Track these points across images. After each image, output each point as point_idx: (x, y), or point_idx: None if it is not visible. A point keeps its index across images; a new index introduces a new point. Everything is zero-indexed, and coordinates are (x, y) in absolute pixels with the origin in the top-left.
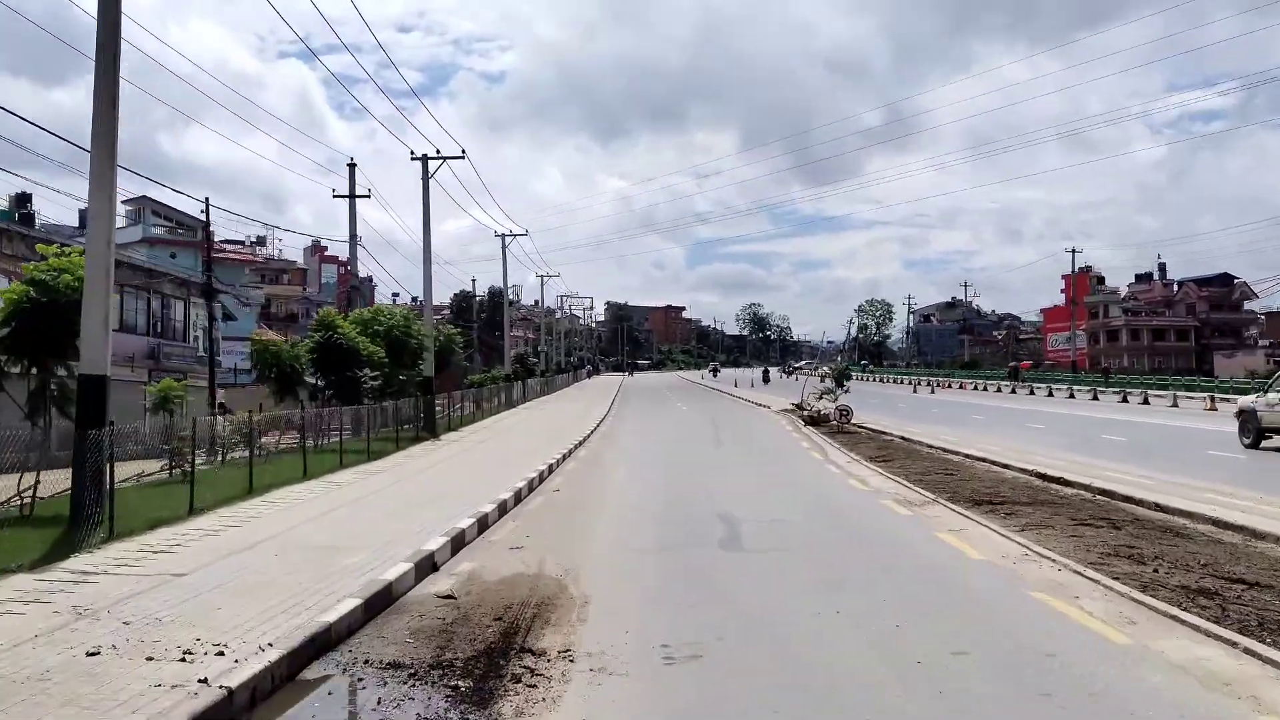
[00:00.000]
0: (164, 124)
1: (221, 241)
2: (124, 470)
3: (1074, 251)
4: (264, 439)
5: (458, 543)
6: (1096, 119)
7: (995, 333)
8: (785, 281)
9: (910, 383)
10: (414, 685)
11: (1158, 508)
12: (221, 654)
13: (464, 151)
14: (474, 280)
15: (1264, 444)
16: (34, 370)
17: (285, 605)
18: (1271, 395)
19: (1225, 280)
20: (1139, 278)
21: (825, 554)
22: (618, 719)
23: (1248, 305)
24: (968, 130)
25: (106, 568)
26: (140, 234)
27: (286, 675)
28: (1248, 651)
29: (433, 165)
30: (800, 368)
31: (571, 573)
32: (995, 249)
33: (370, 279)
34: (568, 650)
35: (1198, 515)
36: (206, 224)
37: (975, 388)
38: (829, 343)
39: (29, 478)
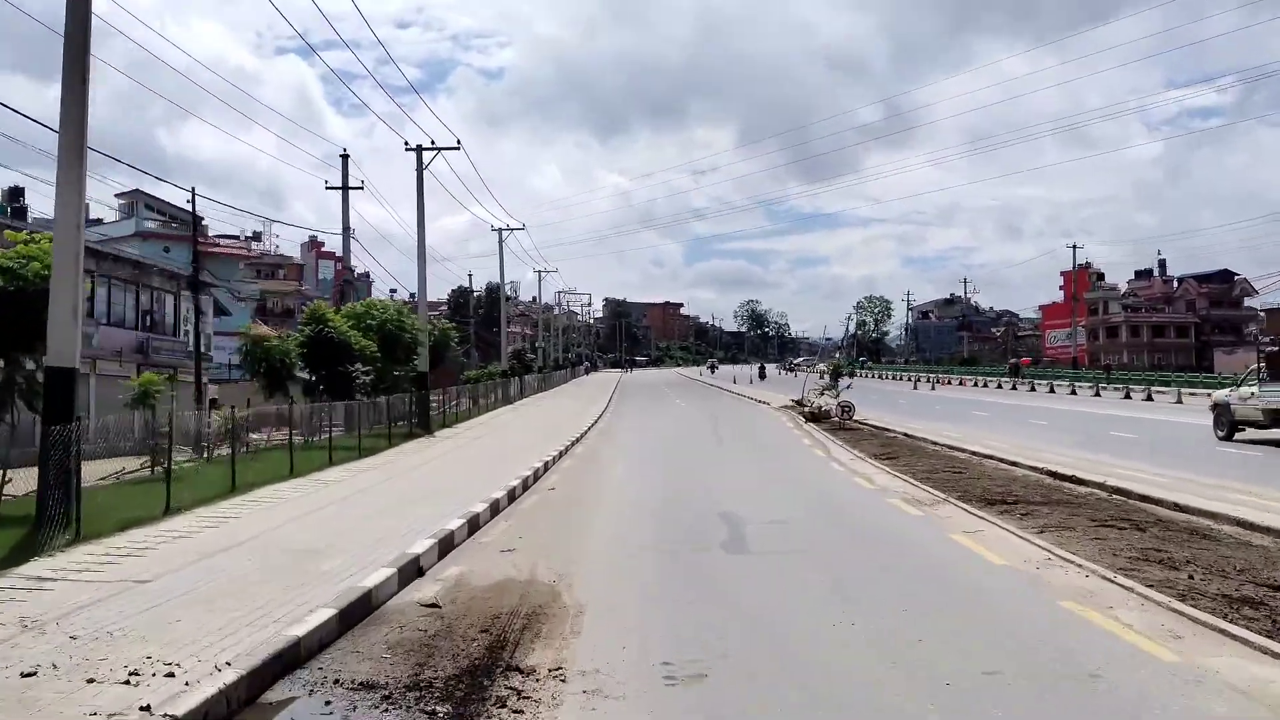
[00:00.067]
0: (162, 120)
1: (216, 236)
2: (104, 468)
3: (1074, 247)
4: (254, 435)
5: (446, 545)
6: (1095, 115)
7: (994, 329)
8: (783, 278)
9: (910, 379)
10: (386, 710)
11: (1177, 507)
12: (172, 675)
13: (459, 142)
14: (470, 275)
15: (1237, 436)
16: (0, 363)
17: (252, 616)
18: (1244, 389)
19: (1226, 277)
20: (1139, 274)
21: (835, 557)
22: None
23: (1248, 302)
24: (966, 127)
25: (66, 573)
26: (133, 228)
27: (245, 699)
28: None
29: (428, 156)
30: (799, 364)
31: (565, 578)
32: (993, 246)
33: (367, 275)
34: (559, 668)
35: (1222, 516)
36: (194, 214)
37: (975, 384)
38: (827, 339)
39: None
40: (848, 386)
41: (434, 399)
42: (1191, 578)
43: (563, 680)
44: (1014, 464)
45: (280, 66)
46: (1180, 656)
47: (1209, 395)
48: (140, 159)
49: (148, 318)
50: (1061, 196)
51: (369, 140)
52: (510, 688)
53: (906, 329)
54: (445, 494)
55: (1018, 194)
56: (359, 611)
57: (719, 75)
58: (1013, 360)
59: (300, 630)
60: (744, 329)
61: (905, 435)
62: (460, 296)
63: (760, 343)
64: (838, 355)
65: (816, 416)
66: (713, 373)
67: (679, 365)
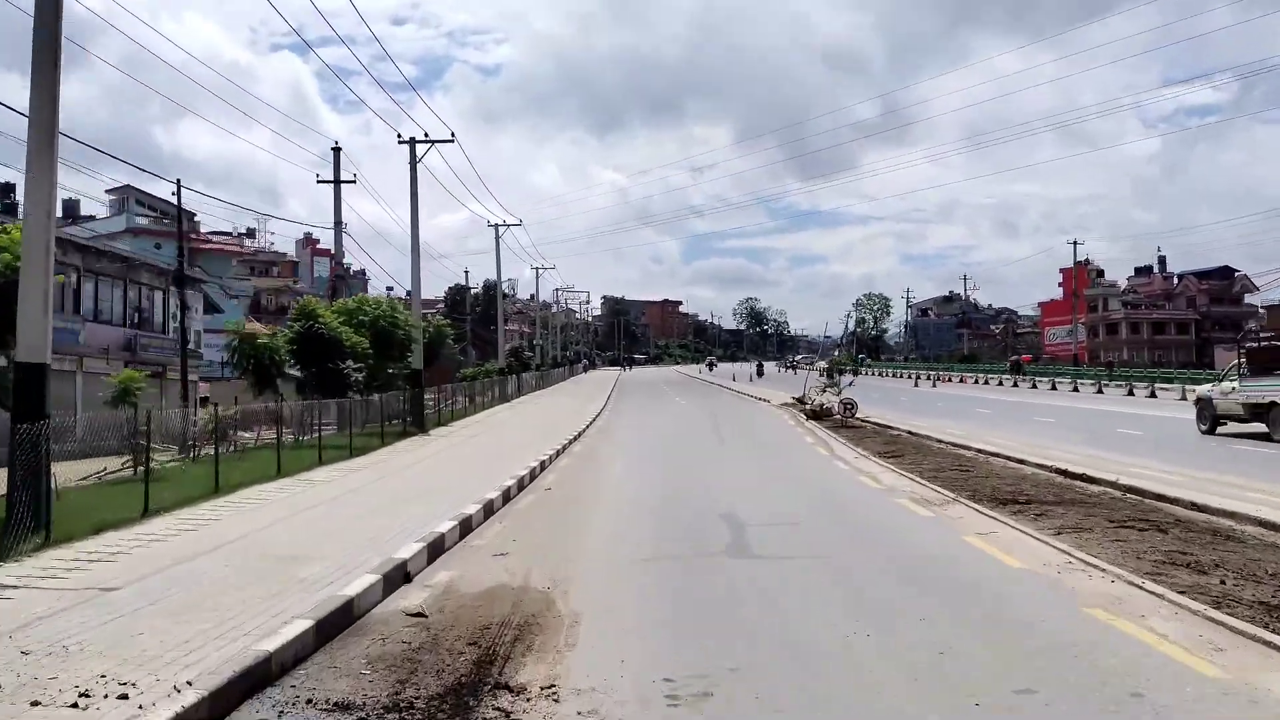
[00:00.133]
0: (157, 117)
1: (209, 233)
2: (86, 467)
3: (1075, 243)
4: (245, 434)
5: (436, 549)
6: (1093, 112)
7: (993, 326)
8: (782, 276)
9: (911, 376)
10: None
11: (1195, 506)
12: (125, 696)
13: (453, 135)
14: (467, 272)
15: (1219, 430)
16: None
17: (222, 629)
18: (1225, 384)
19: (1226, 273)
20: (1139, 271)
21: (845, 562)
22: None
23: (1248, 298)
24: (964, 124)
25: (30, 580)
26: (124, 224)
27: None
28: None
29: (421, 150)
30: (798, 361)
31: (560, 585)
32: (991, 243)
33: (363, 272)
34: (552, 686)
35: (1242, 515)
36: (179, 207)
37: (976, 381)
38: (826, 337)
39: None
40: (850, 384)
41: (429, 397)
42: (1223, 583)
43: (555, 700)
44: (1022, 462)
45: (275, 63)
46: (1226, 672)
47: None
48: (135, 156)
49: (136, 314)
50: (1059, 193)
51: (366, 137)
52: (498, 709)
53: (906, 326)
54: (437, 494)
55: (1015, 191)
56: (339, 622)
57: (717, 72)
58: (1014, 357)
59: (272, 644)
60: (743, 327)
61: (909, 433)
62: (457, 294)
63: (759, 341)
64: (837, 352)
65: (818, 414)
66: (711, 370)
67: (678, 363)
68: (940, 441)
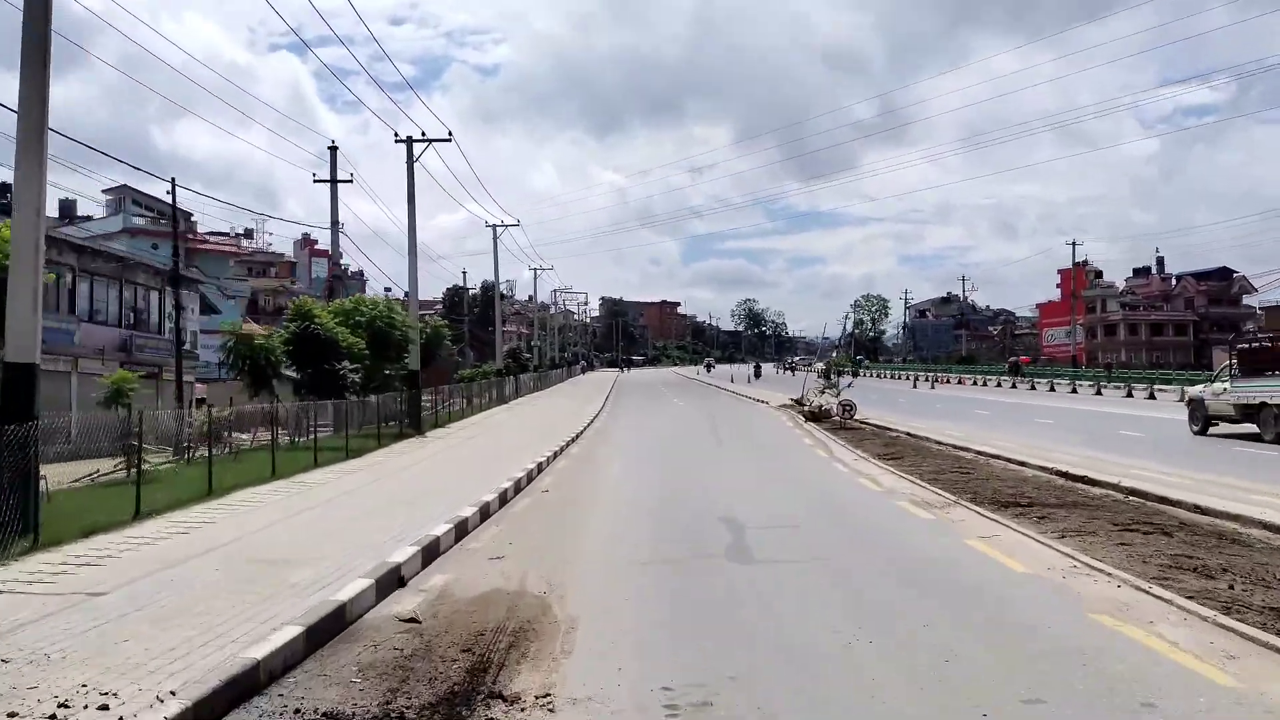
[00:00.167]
0: (155, 117)
1: (206, 233)
2: (79, 469)
3: (1074, 244)
4: (242, 436)
5: (430, 552)
6: (1091, 112)
7: (991, 328)
8: (780, 278)
9: (909, 378)
10: None
11: (1198, 509)
12: (105, 707)
13: (450, 134)
14: (465, 272)
15: (1211, 431)
16: None
17: (210, 635)
18: (1216, 385)
19: (1224, 274)
20: (1137, 272)
21: (845, 566)
22: None
23: (1247, 299)
24: (962, 125)
25: (15, 585)
26: (121, 224)
27: None
28: None
29: (420, 149)
30: (796, 363)
31: (557, 589)
32: (989, 244)
33: (361, 273)
34: (547, 695)
35: (1247, 519)
36: (174, 205)
37: (974, 383)
38: (824, 339)
39: None
40: (849, 385)
41: (426, 398)
42: (1232, 588)
43: (550, 710)
44: (1023, 464)
45: (274, 63)
46: (1239, 680)
47: None
48: (134, 157)
49: (132, 315)
50: (1057, 194)
51: (364, 138)
52: (491, 719)
53: (904, 328)
54: (433, 496)
55: (1013, 192)
56: (330, 628)
57: (716, 72)
58: (1012, 359)
59: (261, 651)
60: (741, 328)
61: (908, 434)
62: (455, 295)
63: (758, 342)
64: (835, 354)
65: (817, 416)
66: (709, 371)
67: (676, 364)
68: (940, 443)
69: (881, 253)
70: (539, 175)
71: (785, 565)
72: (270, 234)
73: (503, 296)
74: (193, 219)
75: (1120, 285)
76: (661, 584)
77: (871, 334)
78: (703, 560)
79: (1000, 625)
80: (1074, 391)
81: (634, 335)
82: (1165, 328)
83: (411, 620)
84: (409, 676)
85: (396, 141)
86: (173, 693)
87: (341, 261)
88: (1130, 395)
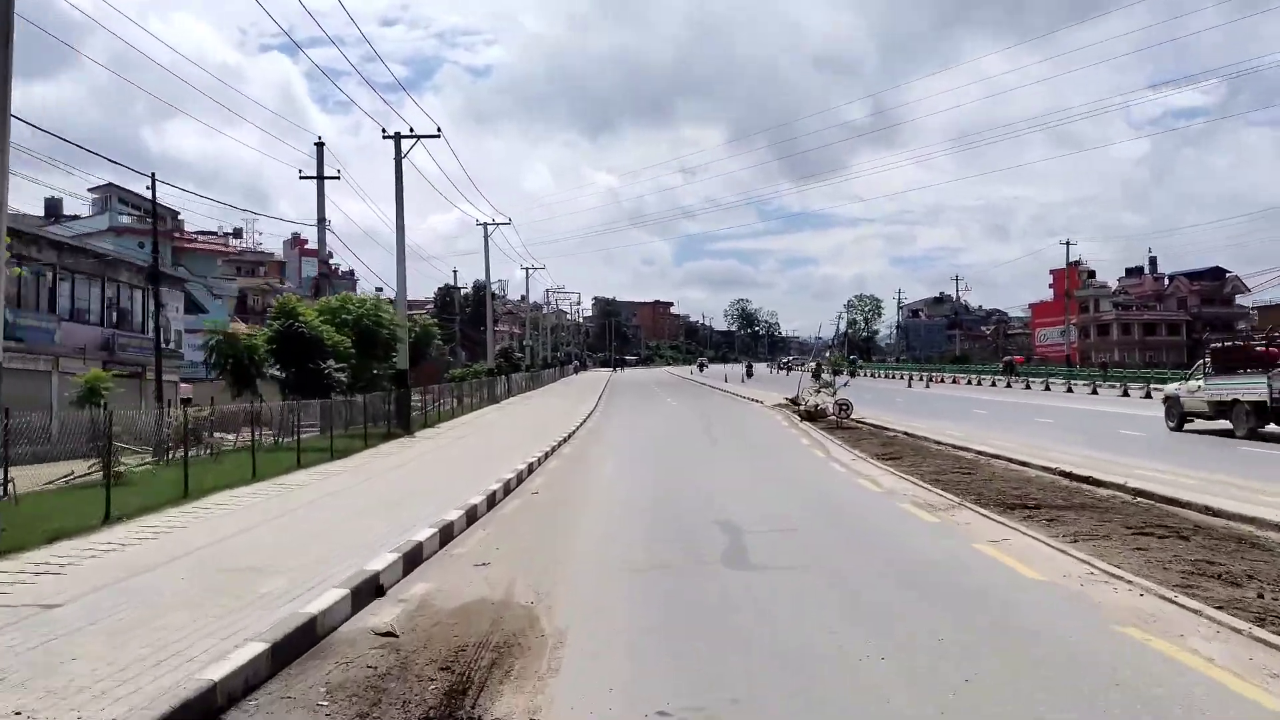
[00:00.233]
0: (146, 118)
1: (194, 232)
2: (54, 471)
3: (1068, 244)
4: (228, 436)
5: (413, 559)
6: (1081, 114)
7: (984, 328)
8: (773, 278)
9: (903, 377)
10: None
11: (1210, 511)
12: None
13: (439, 130)
14: (455, 271)
15: (1186, 427)
16: None
17: (167, 652)
18: (1191, 383)
19: (1217, 274)
20: (1130, 272)
21: (850, 573)
22: None
23: (1240, 299)
24: (953, 126)
25: None
26: (107, 223)
27: None
28: None
29: (409, 145)
30: (790, 362)
31: (545, 599)
32: (980, 245)
33: (352, 273)
34: None
35: (1262, 521)
36: (154, 201)
37: (969, 382)
38: (818, 339)
39: None
40: (845, 384)
41: (416, 398)
42: (1261, 596)
43: None
44: (1025, 464)
45: (265, 64)
46: None
47: None
48: (125, 157)
49: (115, 313)
50: (1047, 196)
51: (355, 138)
52: None
53: (898, 327)
54: (419, 499)
55: (1004, 193)
56: (299, 643)
57: (708, 74)
58: (1006, 358)
59: (219, 671)
60: (734, 328)
61: (906, 434)
62: (446, 294)
63: (751, 342)
64: (829, 354)
65: (812, 415)
66: (701, 371)
67: (669, 364)
68: (939, 443)
69: (873, 254)
70: (532, 176)
71: (785, 572)
72: (260, 234)
73: (495, 296)
74: (180, 217)
75: (1113, 285)
76: (656, 593)
77: (864, 334)
78: (699, 566)
79: (1020, 639)
80: (1069, 391)
81: (627, 335)
82: (1158, 327)
83: (388, 634)
84: (381, 699)
85: (385, 137)
86: (116, 719)
87: (332, 261)
88: (1126, 394)
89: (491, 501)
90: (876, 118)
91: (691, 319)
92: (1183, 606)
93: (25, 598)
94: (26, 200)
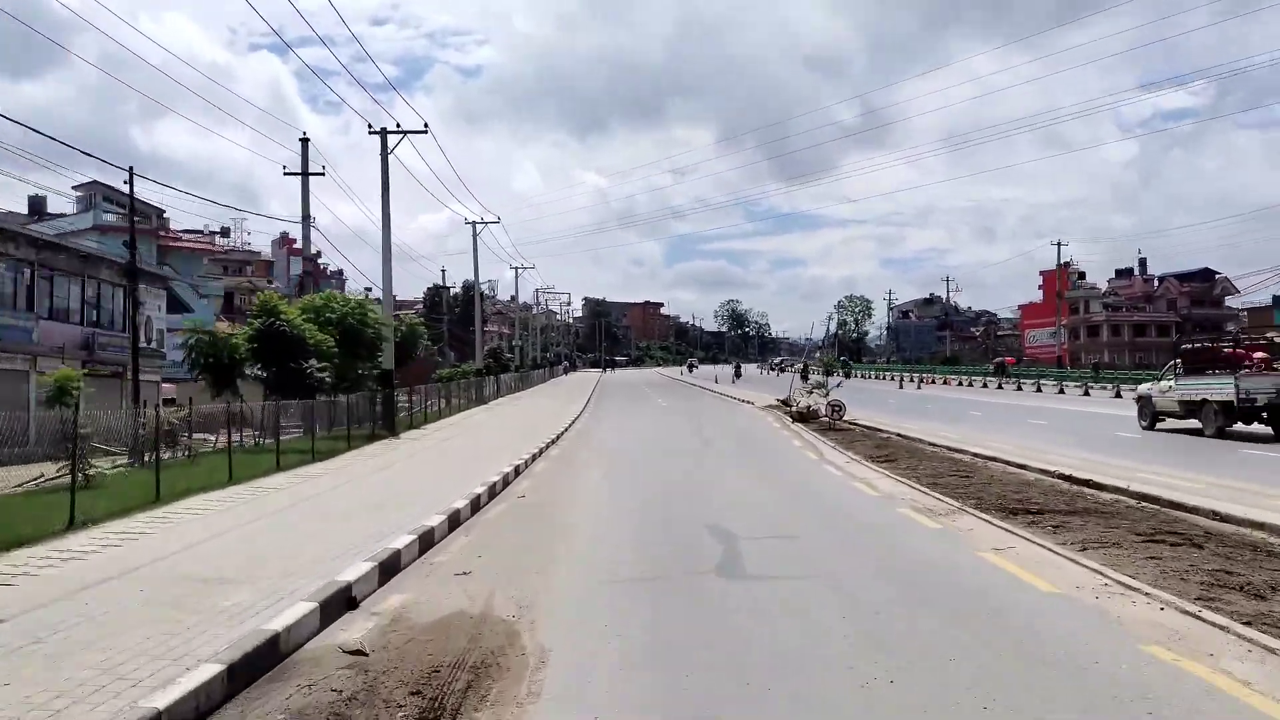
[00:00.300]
0: (135, 117)
1: (180, 231)
2: (23, 473)
3: (1059, 245)
4: (208, 437)
5: (389, 568)
6: (1070, 116)
7: (974, 329)
8: (763, 279)
9: (894, 378)
10: None
11: (1218, 516)
12: None
13: (426, 126)
14: (444, 271)
15: (1158, 426)
16: None
17: (111, 676)
18: (1163, 383)
19: (1207, 275)
20: (1119, 273)
21: (851, 583)
22: None
23: (1229, 301)
24: (943, 128)
25: None
26: (91, 220)
27: None
28: None
29: (396, 141)
30: (780, 363)
31: (527, 612)
32: (970, 247)
33: (340, 273)
34: None
35: (1272, 526)
36: (130, 195)
37: (960, 383)
38: (808, 340)
39: None
40: (838, 385)
41: (402, 399)
42: None
43: None
44: (1023, 467)
45: (254, 63)
46: None
47: None
48: (115, 156)
49: (94, 312)
50: (1036, 197)
51: (345, 138)
52: None
53: (888, 328)
54: (400, 503)
55: (993, 195)
56: (259, 663)
57: (698, 74)
58: (997, 359)
59: (165, 699)
60: (724, 329)
61: (899, 436)
62: (435, 294)
63: (741, 343)
64: (818, 355)
65: (804, 416)
66: (691, 372)
67: (659, 365)
68: (934, 445)
69: (862, 255)
70: (521, 176)
71: (783, 582)
72: (249, 233)
73: (484, 296)
74: (165, 215)
75: (1103, 287)
76: (646, 607)
77: (855, 335)
78: (692, 577)
79: (1040, 659)
80: (1061, 392)
81: (617, 336)
82: (1148, 329)
83: (357, 652)
84: None
85: (371, 133)
86: None
87: (320, 261)
88: (1119, 396)
89: (475, 506)
90: (866, 118)
91: (682, 320)
92: (1209, 623)
93: None
94: (10, 198)
